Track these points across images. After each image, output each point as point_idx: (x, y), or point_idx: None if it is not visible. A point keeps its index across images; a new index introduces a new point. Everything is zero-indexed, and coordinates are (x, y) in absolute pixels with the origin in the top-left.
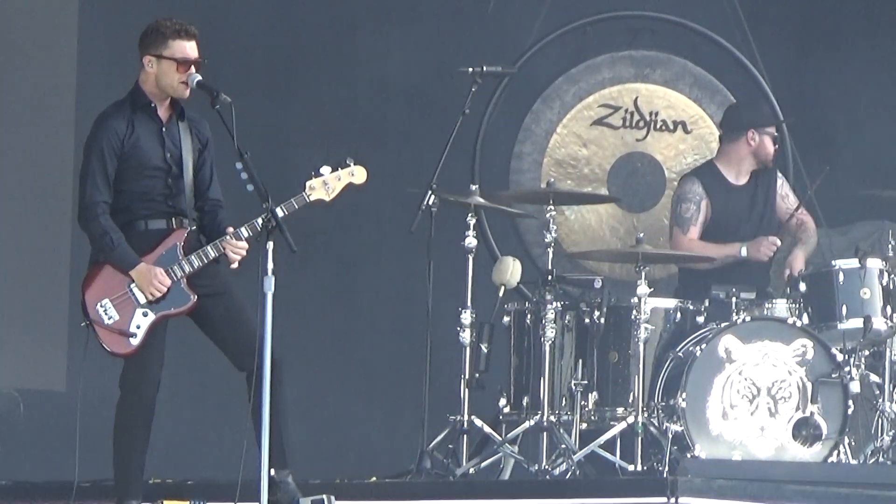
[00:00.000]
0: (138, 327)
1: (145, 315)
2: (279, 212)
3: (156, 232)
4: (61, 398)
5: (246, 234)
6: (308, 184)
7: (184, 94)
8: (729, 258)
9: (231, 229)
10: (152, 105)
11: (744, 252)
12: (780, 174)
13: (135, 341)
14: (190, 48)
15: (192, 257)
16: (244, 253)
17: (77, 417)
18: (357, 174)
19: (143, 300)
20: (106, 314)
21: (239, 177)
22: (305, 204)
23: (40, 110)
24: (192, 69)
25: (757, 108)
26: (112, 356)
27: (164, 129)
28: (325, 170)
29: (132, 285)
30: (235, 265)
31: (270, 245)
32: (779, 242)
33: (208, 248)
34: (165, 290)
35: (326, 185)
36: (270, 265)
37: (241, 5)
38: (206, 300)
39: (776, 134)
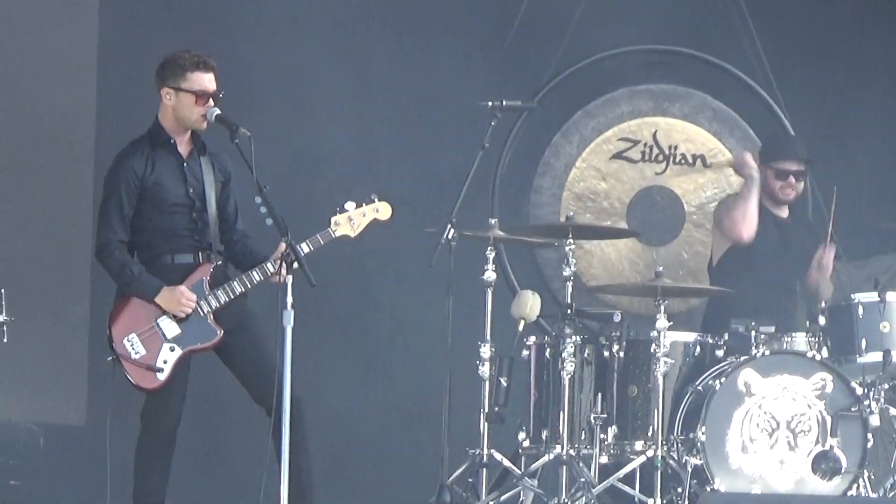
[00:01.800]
0: (165, 362)
1: (172, 350)
2: (305, 247)
3: (182, 266)
4: (81, 432)
5: (273, 269)
6: (333, 220)
7: (201, 127)
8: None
9: (282, 248)
10: (172, 141)
11: (752, 183)
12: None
13: (162, 376)
14: (208, 80)
15: (219, 292)
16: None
17: (107, 451)
18: (382, 210)
19: (170, 335)
20: (133, 349)
21: (258, 211)
22: (331, 240)
23: (59, 144)
24: (211, 102)
25: (769, 142)
26: (138, 391)
27: (185, 165)
28: (350, 205)
29: (159, 319)
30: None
31: (290, 279)
32: (750, 159)
33: (234, 283)
34: (193, 304)
35: (351, 220)
36: (290, 299)
37: (260, 38)
38: (231, 335)
39: (786, 169)
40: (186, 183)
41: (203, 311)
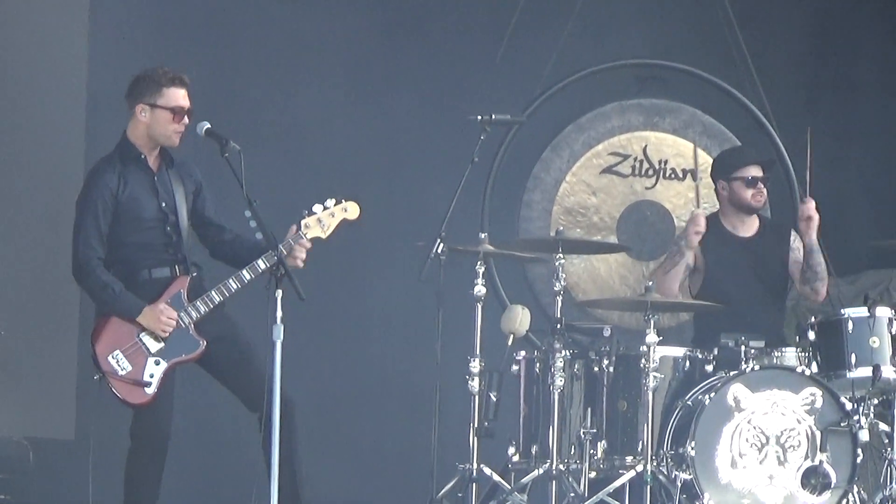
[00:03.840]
0: (152, 376)
1: (157, 363)
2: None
3: (160, 280)
4: (70, 446)
5: (248, 277)
6: (303, 223)
7: (174, 143)
8: (679, 262)
9: (293, 230)
10: (142, 157)
11: (684, 245)
12: (794, 232)
13: (150, 390)
14: (183, 97)
15: (198, 303)
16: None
17: (89, 468)
18: (350, 209)
19: (153, 349)
20: (119, 365)
21: (248, 224)
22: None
23: (48, 160)
24: (186, 119)
25: (724, 157)
26: (128, 406)
27: (156, 179)
28: (318, 207)
29: (141, 334)
30: (301, 263)
31: (279, 293)
32: (701, 222)
33: (213, 292)
34: (174, 324)
35: (321, 222)
36: (279, 313)
37: (248, 54)
38: (214, 345)
39: (752, 176)
40: (158, 197)
41: (184, 323)
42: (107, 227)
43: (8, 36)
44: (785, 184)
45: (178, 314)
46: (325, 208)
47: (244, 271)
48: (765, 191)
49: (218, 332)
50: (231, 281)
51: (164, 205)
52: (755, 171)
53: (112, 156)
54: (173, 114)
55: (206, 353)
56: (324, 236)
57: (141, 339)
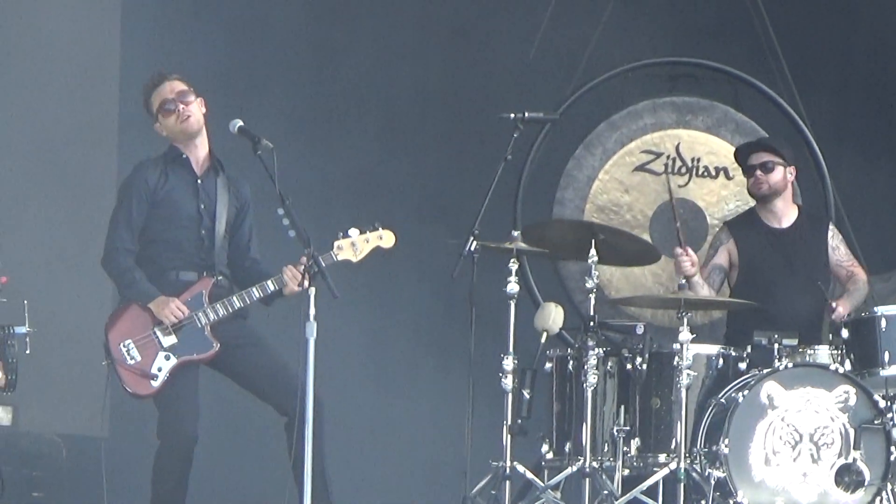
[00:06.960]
0: (160, 369)
1: (167, 358)
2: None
3: (185, 283)
4: (104, 444)
5: (273, 288)
6: (336, 244)
7: (191, 129)
8: (689, 286)
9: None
10: (184, 156)
11: (680, 280)
12: (832, 226)
13: (155, 383)
14: (169, 90)
15: (217, 305)
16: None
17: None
18: (385, 238)
19: (166, 343)
20: (128, 354)
21: (280, 222)
22: (332, 262)
23: (81, 156)
24: (182, 105)
25: (738, 150)
26: (133, 398)
27: (199, 181)
28: (354, 232)
29: (156, 328)
30: (295, 288)
31: (312, 291)
32: (679, 258)
33: (234, 298)
34: (182, 316)
35: (354, 245)
36: (312, 311)
37: (283, 57)
38: (237, 351)
39: (750, 164)
40: (198, 199)
41: (200, 323)
42: (141, 220)
43: (40, 36)
44: (817, 179)
45: (196, 314)
46: (361, 233)
47: (269, 281)
48: (769, 177)
49: (241, 340)
50: (254, 289)
51: (202, 207)
52: (752, 160)
53: (158, 156)
54: (166, 111)
55: (229, 361)
56: (354, 260)
57: (155, 333)
